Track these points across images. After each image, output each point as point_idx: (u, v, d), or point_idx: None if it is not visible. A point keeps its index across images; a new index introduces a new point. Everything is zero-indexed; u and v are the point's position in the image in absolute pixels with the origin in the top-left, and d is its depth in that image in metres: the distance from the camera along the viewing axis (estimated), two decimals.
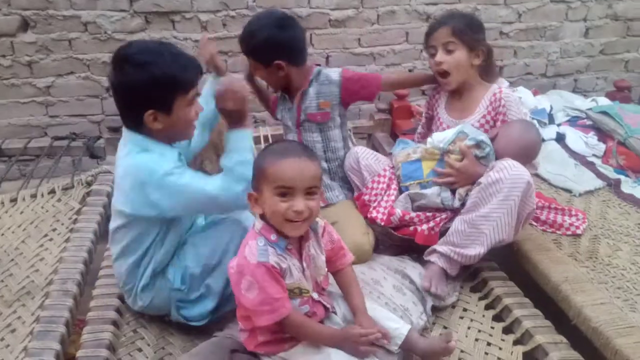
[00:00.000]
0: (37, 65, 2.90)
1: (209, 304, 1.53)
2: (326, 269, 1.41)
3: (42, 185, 2.34)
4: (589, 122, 2.85)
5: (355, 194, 2.04)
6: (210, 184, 1.43)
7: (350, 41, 3.21)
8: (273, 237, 1.28)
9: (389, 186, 1.94)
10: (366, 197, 1.96)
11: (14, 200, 2.22)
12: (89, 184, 2.31)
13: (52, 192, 2.28)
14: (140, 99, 1.39)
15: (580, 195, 2.34)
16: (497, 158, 1.81)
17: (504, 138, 1.84)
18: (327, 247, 1.41)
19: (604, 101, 3.03)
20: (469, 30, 1.90)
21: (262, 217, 1.31)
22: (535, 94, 3.12)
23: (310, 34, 3.14)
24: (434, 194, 1.84)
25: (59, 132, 2.96)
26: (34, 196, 2.25)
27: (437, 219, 1.84)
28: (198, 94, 1.49)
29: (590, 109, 2.89)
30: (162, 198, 1.39)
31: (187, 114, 1.45)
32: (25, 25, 2.81)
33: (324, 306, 1.39)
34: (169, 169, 1.40)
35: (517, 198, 1.68)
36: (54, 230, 2.03)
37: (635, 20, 3.58)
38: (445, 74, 1.93)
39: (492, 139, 1.86)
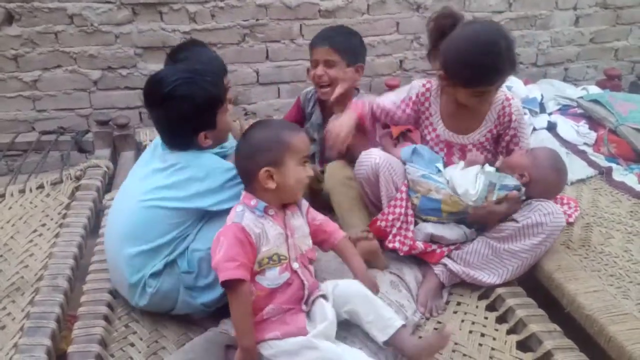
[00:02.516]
0: (23, 59, 2.85)
1: (218, 291, 1.48)
2: (311, 242, 1.48)
3: (30, 181, 2.31)
4: (579, 111, 2.85)
5: (366, 200, 1.88)
6: None
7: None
8: (253, 202, 1.38)
9: (405, 214, 1.77)
10: (382, 224, 1.78)
11: (1, 196, 2.19)
12: (77, 178, 2.28)
13: (41, 187, 2.25)
14: (191, 125, 1.52)
15: (572, 183, 2.34)
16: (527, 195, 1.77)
17: (541, 188, 1.77)
18: (312, 223, 1.50)
19: (594, 90, 3.04)
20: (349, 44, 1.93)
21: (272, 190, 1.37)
22: (526, 83, 3.12)
23: (300, 25, 3.12)
24: (453, 234, 1.78)
25: (46, 126, 2.92)
26: (22, 191, 2.22)
27: (454, 246, 1.80)
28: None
29: (581, 97, 2.90)
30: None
31: (227, 122, 1.61)
32: (9, 18, 2.76)
33: (302, 281, 1.40)
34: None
35: (549, 245, 1.71)
36: (43, 225, 2.00)
37: (625, 9, 3.59)
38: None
39: (525, 184, 1.75)
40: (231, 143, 1.71)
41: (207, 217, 1.53)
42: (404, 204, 1.77)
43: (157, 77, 1.55)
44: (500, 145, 1.88)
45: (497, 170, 1.79)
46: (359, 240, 1.70)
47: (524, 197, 1.77)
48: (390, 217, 1.77)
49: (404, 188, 1.78)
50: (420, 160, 1.83)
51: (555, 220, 1.68)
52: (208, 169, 1.52)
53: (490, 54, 1.60)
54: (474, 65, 1.62)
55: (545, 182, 1.77)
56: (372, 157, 1.78)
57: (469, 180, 1.75)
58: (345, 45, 2.05)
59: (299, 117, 2.26)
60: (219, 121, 1.56)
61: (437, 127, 1.87)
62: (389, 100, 1.94)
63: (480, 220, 1.77)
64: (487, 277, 1.73)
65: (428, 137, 1.91)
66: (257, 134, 1.42)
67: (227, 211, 1.42)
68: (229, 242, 1.29)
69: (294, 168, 1.38)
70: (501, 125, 1.83)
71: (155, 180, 1.54)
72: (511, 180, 1.75)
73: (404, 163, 1.83)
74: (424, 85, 1.89)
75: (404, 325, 1.40)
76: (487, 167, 1.79)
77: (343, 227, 1.66)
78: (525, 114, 2.42)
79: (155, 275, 1.51)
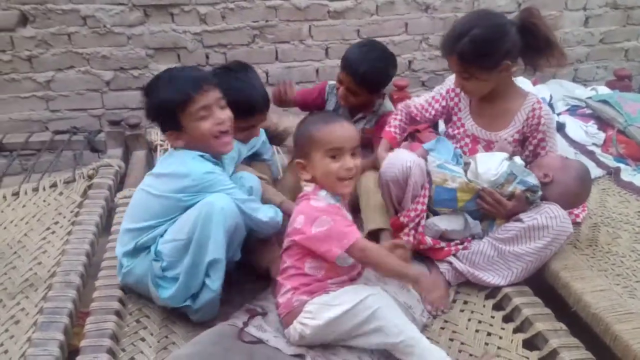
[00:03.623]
0: (37, 60, 2.90)
1: (174, 287, 1.52)
2: None
3: (43, 179, 2.35)
4: (588, 111, 2.84)
5: (387, 201, 1.86)
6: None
7: (350, 32, 3.20)
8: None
9: (422, 210, 1.79)
10: (404, 220, 1.80)
11: (16, 194, 2.23)
12: (90, 177, 2.32)
13: (54, 185, 2.29)
14: (157, 121, 1.61)
15: None
16: (544, 197, 1.77)
17: (560, 191, 1.76)
18: None
19: (604, 90, 3.03)
20: (478, 52, 1.69)
21: (310, 181, 1.48)
22: (535, 83, 3.12)
23: (309, 26, 3.14)
24: (453, 223, 1.80)
25: (59, 126, 2.96)
26: (35, 190, 2.26)
27: (462, 245, 1.81)
28: (219, 106, 1.60)
29: (590, 97, 2.89)
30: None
31: (202, 131, 1.56)
32: (24, 20, 2.81)
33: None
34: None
35: (555, 249, 1.70)
36: (56, 223, 2.04)
37: (635, 9, 3.56)
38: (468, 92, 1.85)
39: (544, 183, 1.76)
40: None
41: (182, 211, 1.54)
42: (425, 200, 1.79)
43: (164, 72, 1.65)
44: (527, 149, 1.88)
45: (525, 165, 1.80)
46: (395, 248, 1.63)
47: (539, 200, 1.77)
48: (412, 213, 1.78)
49: (427, 185, 1.79)
50: (443, 148, 1.84)
51: (561, 225, 1.68)
52: (190, 168, 1.54)
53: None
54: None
55: (565, 188, 1.77)
56: (404, 159, 1.77)
57: (494, 162, 1.77)
58: (372, 82, 2.03)
59: (319, 101, 2.25)
60: (189, 126, 1.55)
61: (465, 122, 1.92)
62: (423, 99, 2.04)
63: (485, 208, 1.76)
64: (491, 278, 1.74)
65: (455, 132, 1.94)
66: (297, 128, 1.54)
67: None
68: (335, 217, 1.40)
69: (320, 160, 1.43)
70: (529, 127, 1.84)
71: (155, 169, 1.71)
72: (532, 179, 1.75)
73: (426, 153, 1.84)
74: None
75: None
76: (517, 159, 1.80)
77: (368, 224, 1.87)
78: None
79: (127, 254, 1.61)
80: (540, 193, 1.76)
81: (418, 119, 2.05)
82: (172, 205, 1.55)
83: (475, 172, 1.76)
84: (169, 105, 1.53)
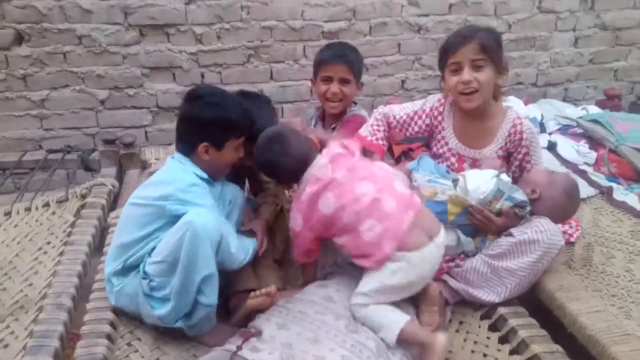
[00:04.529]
0: (32, 79, 2.90)
1: (169, 305, 1.50)
2: None
3: (36, 199, 2.33)
4: (580, 131, 2.88)
5: None
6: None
7: None
8: None
9: None
10: None
11: (8, 214, 2.21)
12: (83, 196, 2.30)
13: (47, 205, 2.27)
14: (199, 128, 1.60)
15: None
16: (533, 213, 1.78)
17: (549, 206, 1.77)
18: None
19: (594, 109, 3.07)
20: (496, 47, 1.77)
21: None
22: (526, 103, 3.16)
23: (304, 46, 3.17)
24: (453, 245, 1.78)
25: (53, 145, 2.96)
26: (28, 209, 2.24)
27: (453, 263, 1.80)
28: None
29: (581, 117, 2.93)
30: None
31: (231, 158, 1.66)
32: (19, 39, 2.82)
33: None
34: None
35: (547, 263, 1.70)
36: (49, 243, 2.02)
37: (624, 30, 3.64)
38: (471, 93, 1.79)
39: (532, 200, 1.77)
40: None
41: (169, 219, 1.53)
42: None
43: (203, 85, 1.74)
44: (513, 164, 1.90)
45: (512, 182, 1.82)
46: None
47: (528, 215, 1.77)
48: None
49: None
50: (426, 166, 1.85)
51: (552, 238, 1.68)
52: (177, 177, 1.57)
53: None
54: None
55: (553, 203, 1.78)
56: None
57: (482, 179, 1.78)
58: (356, 63, 2.13)
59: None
60: (226, 148, 1.63)
61: (449, 141, 1.94)
62: (403, 112, 2.00)
63: (475, 223, 1.77)
64: (486, 295, 1.73)
65: (440, 151, 1.96)
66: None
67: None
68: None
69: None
70: (512, 143, 1.86)
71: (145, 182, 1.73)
72: (520, 195, 1.76)
73: (410, 173, 1.84)
74: (439, 100, 1.97)
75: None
76: (503, 176, 1.81)
77: None
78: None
79: (116, 273, 1.59)
80: (528, 208, 1.77)
81: (396, 131, 2.02)
82: (157, 212, 1.54)
83: (465, 189, 1.77)
84: (230, 126, 1.61)
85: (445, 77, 1.86)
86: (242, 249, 1.62)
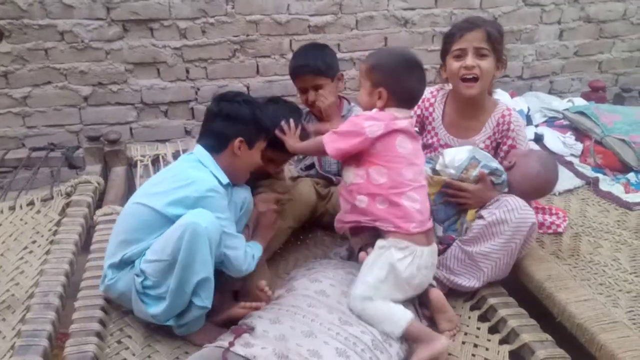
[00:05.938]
0: (13, 76, 2.85)
1: (164, 304, 1.49)
2: None
3: (20, 197, 2.29)
4: (566, 123, 2.90)
5: None
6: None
7: (330, 47, 3.22)
8: None
9: None
10: None
11: None
12: (68, 194, 2.27)
13: (31, 203, 2.23)
14: (236, 123, 1.66)
15: (559, 194, 2.38)
16: (509, 187, 1.80)
17: (522, 172, 1.80)
18: None
19: (580, 102, 3.10)
20: (500, 39, 1.81)
21: None
22: (512, 95, 3.17)
23: (290, 40, 3.15)
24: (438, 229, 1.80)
25: (36, 142, 2.91)
26: (12, 208, 2.20)
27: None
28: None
29: (567, 109, 2.95)
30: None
31: (255, 159, 1.74)
32: (0, 35, 2.76)
33: None
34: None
35: (520, 241, 1.70)
36: (34, 242, 1.99)
37: (608, 22, 3.67)
38: (472, 79, 1.81)
39: (508, 168, 1.81)
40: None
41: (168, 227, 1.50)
42: None
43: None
44: (499, 155, 1.93)
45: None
46: None
47: (505, 187, 1.79)
48: None
49: None
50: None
51: (520, 216, 1.67)
52: (196, 177, 1.56)
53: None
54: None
55: (526, 169, 1.80)
56: None
57: (459, 151, 1.82)
58: (323, 64, 2.07)
59: None
60: (255, 148, 1.71)
61: (438, 132, 1.96)
62: None
63: (450, 199, 1.78)
64: (467, 282, 1.75)
65: (430, 141, 1.98)
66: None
67: None
68: None
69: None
70: (500, 133, 1.89)
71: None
72: (496, 164, 1.80)
73: None
74: (431, 92, 2.01)
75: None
76: (480, 149, 1.85)
77: None
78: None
79: (112, 266, 1.57)
80: (504, 176, 1.79)
81: None
82: (170, 222, 1.49)
83: (443, 164, 1.80)
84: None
85: (446, 63, 1.88)
86: (247, 259, 1.64)
